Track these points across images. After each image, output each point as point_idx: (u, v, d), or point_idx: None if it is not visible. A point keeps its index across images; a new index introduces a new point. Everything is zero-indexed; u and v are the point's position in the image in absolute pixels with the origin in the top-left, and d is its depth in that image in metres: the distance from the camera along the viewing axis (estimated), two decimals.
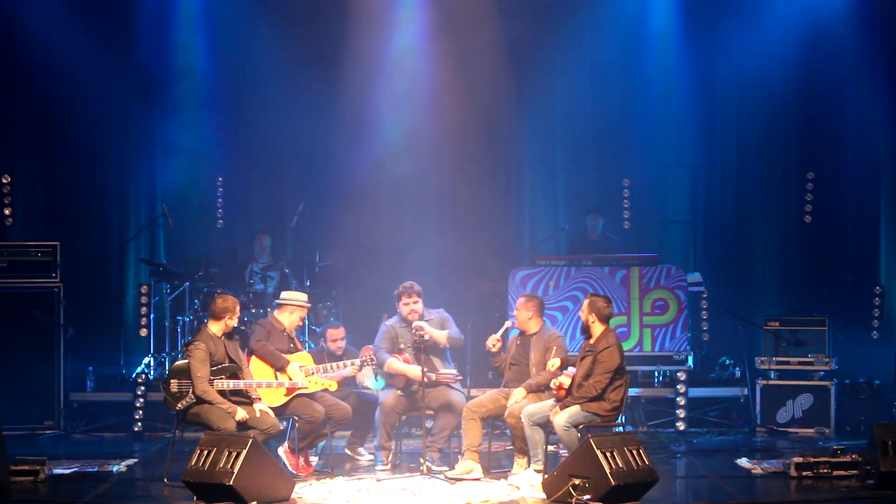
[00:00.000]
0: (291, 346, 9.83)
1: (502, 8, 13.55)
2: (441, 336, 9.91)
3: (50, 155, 13.51)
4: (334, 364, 9.92)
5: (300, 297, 10.04)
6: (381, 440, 9.93)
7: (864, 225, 13.65)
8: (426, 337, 9.77)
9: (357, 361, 9.91)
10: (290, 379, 9.52)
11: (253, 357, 9.63)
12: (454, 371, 10.00)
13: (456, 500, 8.67)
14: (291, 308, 9.90)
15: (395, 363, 9.94)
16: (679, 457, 10.53)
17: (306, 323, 12.72)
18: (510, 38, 13.65)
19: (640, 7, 14.02)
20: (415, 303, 9.99)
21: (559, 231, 13.88)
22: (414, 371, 9.77)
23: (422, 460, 9.61)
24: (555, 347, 9.52)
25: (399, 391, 9.94)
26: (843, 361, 12.05)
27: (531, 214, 14.50)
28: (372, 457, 10.27)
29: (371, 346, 10.18)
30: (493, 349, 9.72)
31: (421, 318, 9.98)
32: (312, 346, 12.13)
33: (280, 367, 9.61)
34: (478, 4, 13.52)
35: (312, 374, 9.61)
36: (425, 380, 9.71)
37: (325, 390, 9.66)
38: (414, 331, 9.81)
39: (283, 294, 10.13)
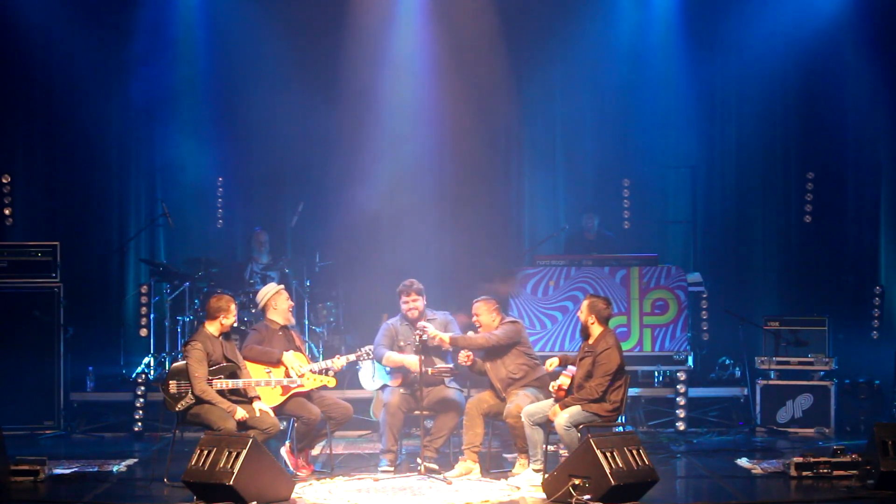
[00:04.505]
0: (288, 345, 9.80)
1: (502, 8, 13.55)
2: (444, 337, 9.79)
3: (50, 155, 13.50)
4: (327, 362, 9.85)
5: (269, 286, 10.06)
6: (387, 443, 9.82)
7: (864, 225, 13.65)
8: (425, 338, 9.72)
9: (352, 357, 9.89)
10: (287, 374, 9.49)
11: (246, 362, 9.59)
12: (450, 365, 9.97)
13: (456, 499, 8.68)
14: (273, 300, 9.87)
15: (394, 355, 9.91)
16: (679, 457, 10.53)
17: (307, 323, 12.74)
18: (510, 37, 13.64)
19: (641, 7, 14.02)
20: (414, 301, 9.98)
21: (559, 231, 13.87)
22: (411, 361, 9.73)
23: (419, 460, 9.60)
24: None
25: (401, 390, 9.92)
26: (843, 361, 12.05)
27: (531, 214, 14.49)
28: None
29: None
30: (468, 363, 9.75)
31: (421, 315, 9.97)
32: (312, 346, 12.14)
33: (275, 361, 9.59)
34: (477, 4, 13.51)
35: (309, 371, 9.58)
36: (425, 370, 9.65)
37: (324, 387, 9.64)
38: (418, 330, 9.75)
39: (256, 298, 10.14)
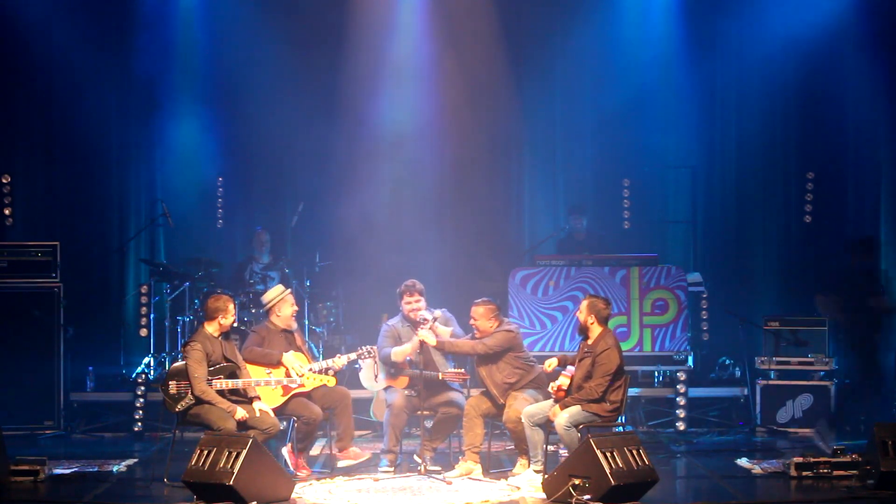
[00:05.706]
0: (289, 346, 9.79)
1: (502, 8, 13.55)
2: (445, 332, 9.82)
3: (50, 155, 13.49)
4: (328, 361, 9.85)
5: (277, 290, 10.02)
6: (388, 444, 9.80)
7: (864, 225, 13.63)
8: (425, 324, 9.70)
9: (353, 356, 9.88)
10: (288, 374, 9.49)
11: (247, 364, 9.59)
12: (461, 370, 9.97)
13: (456, 500, 8.68)
14: (278, 306, 9.87)
15: (399, 348, 9.88)
16: (679, 457, 10.54)
17: (306, 324, 12.73)
18: (510, 38, 13.66)
19: (641, 7, 14.01)
20: (416, 301, 9.96)
21: (559, 231, 13.86)
22: (415, 342, 9.69)
23: (418, 459, 9.61)
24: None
25: (406, 391, 9.91)
26: (843, 361, 12.04)
27: (531, 214, 14.48)
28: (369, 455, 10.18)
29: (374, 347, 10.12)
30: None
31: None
32: (312, 346, 12.13)
33: (275, 363, 9.58)
34: (477, 4, 13.51)
35: (309, 371, 9.57)
36: (435, 374, 9.70)
37: (324, 386, 9.63)
38: (421, 321, 9.70)
39: (263, 299, 10.12)
